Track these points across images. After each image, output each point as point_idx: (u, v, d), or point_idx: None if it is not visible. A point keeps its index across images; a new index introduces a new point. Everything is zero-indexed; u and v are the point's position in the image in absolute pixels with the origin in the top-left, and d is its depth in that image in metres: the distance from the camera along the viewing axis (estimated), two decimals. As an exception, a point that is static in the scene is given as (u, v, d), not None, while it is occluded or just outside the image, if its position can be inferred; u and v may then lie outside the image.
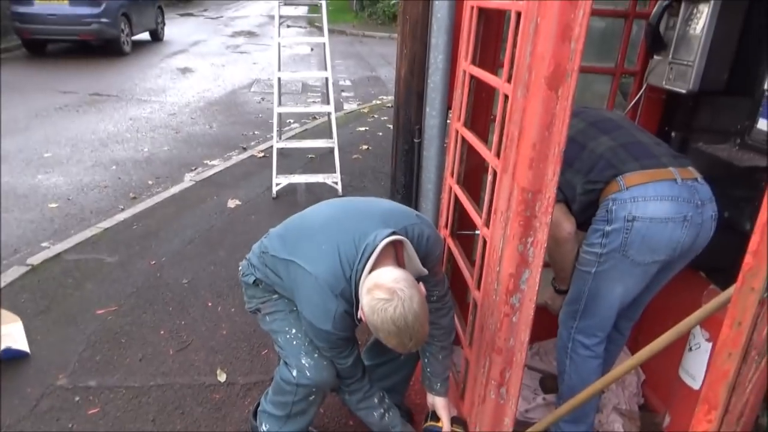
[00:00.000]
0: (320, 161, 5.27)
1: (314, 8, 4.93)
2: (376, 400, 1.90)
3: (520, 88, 1.57)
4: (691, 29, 2.11)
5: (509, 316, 1.74)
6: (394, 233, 1.63)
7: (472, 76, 2.10)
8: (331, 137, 4.83)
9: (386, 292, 1.48)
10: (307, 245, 1.73)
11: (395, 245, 1.66)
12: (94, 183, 4.82)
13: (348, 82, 9.83)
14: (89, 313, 2.91)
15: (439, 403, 1.99)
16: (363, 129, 6.59)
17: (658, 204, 1.69)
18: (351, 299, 1.64)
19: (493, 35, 2.24)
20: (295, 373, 1.81)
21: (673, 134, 2.40)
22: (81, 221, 4.07)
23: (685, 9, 2.14)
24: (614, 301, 1.84)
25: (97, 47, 10.83)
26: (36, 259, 3.37)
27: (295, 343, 1.85)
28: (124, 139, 6.05)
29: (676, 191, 1.71)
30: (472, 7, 2.06)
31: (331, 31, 17.16)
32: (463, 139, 2.18)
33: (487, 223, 1.83)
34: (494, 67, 2.21)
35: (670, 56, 2.21)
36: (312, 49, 11.56)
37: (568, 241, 1.90)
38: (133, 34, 11.61)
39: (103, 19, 10.37)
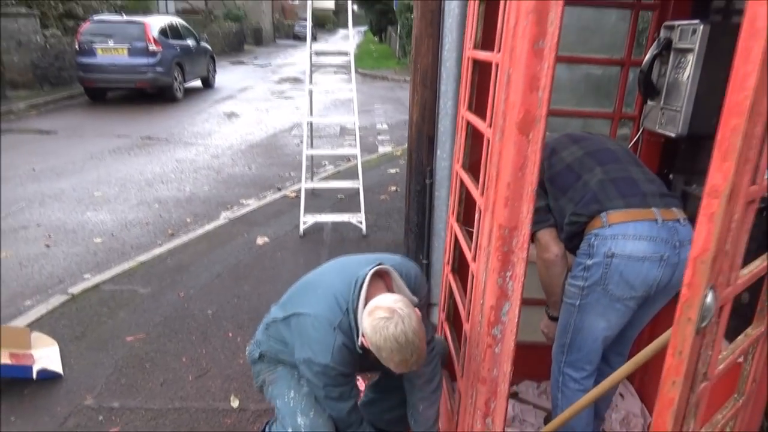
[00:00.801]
0: (349, 201, 5.47)
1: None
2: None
3: (497, 132, 1.70)
4: (680, 76, 2.20)
5: (492, 347, 1.82)
6: (380, 264, 1.76)
7: (468, 122, 2.24)
8: (358, 179, 5.02)
9: (386, 311, 1.60)
10: (305, 297, 1.89)
11: (383, 277, 1.79)
12: (137, 220, 5.14)
13: (385, 126, 10.13)
14: (119, 339, 3.13)
15: None
16: (394, 171, 6.79)
17: (637, 243, 1.77)
18: (349, 332, 1.74)
19: (486, 84, 2.39)
20: (290, 431, 1.91)
21: (671, 176, 2.47)
22: (122, 255, 4.36)
23: (674, 57, 2.24)
24: (598, 334, 1.90)
25: (152, 94, 11.58)
26: (76, 289, 3.64)
27: (291, 405, 1.94)
28: (168, 179, 6.43)
29: (655, 232, 1.78)
30: (468, 58, 2.22)
31: (373, 77, 17.77)
32: (461, 181, 2.31)
33: (474, 258, 1.94)
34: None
35: (662, 102, 2.30)
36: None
37: (556, 264, 1.96)
38: (185, 82, 12.39)
39: (158, 69, 11.15)
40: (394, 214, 5.15)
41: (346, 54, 5.02)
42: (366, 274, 1.74)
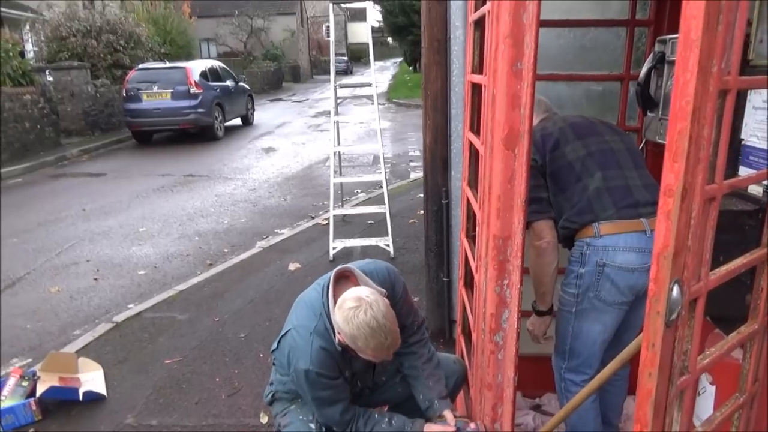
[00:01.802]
0: (378, 226, 5.61)
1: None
2: (376, 415, 2.01)
3: (488, 149, 1.82)
4: (675, 88, 2.27)
5: (495, 353, 1.90)
6: (341, 266, 1.91)
7: (470, 142, 2.36)
8: (385, 204, 5.17)
9: (354, 301, 1.73)
10: (288, 318, 2.02)
11: (349, 278, 1.91)
12: (178, 252, 5.42)
13: (417, 153, 10.27)
14: (158, 362, 3.32)
15: (446, 413, 2.03)
16: (422, 196, 6.91)
17: (627, 254, 1.86)
18: (326, 333, 1.85)
19: (482, 105, 2.52)
20: None
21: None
22: (163, 285, 4.61)
23: (669, 70, 2.32)
24: (596, 337, 1.96)
25: (194, 134, 12.14)
26: (120, 317, 3.89)
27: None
28: (208, 213, 6.74)
29: (643, 243, 1.86)
30: (468, 82, 2.36)
31: (408, 106, 17.99)
32: (467, 198, 2.42)
33: (477, 270, 2.04)
34: (484, 134, 2.47)
35: (660, 113, 2.37)
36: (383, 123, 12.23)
37: (548, 252, 1.97)
38: (225, 121, 12.94)
39: (200, 110, 11.71)
40: (421, 236, 5.22)
41: (368, 85, 5.22)
42: (330, 277, 1.88)
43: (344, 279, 1.90)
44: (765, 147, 1.94)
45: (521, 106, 1.68)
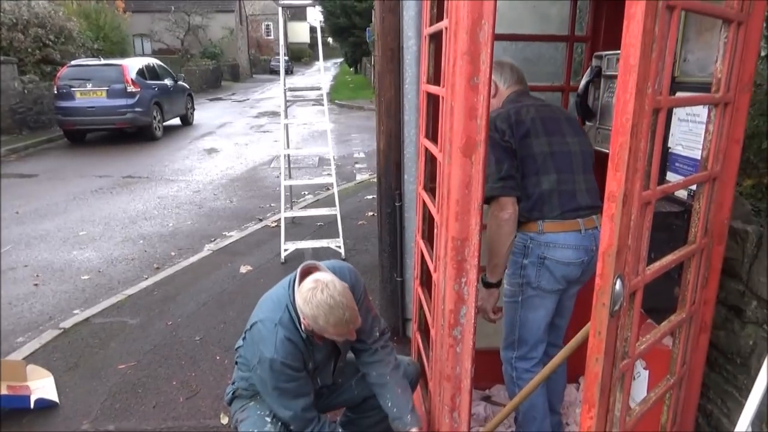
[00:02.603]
0: (328, 228, 5.69)
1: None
2: (339, 430, 2.14)
3: (446, 156, 1.95)
4: (611, 100, 2.49)
5: (453, 347, 2.03)
6: (307, 262, 2.02)
7: (426, 148, 2.49)
8: (335, 206, 5.25)
9: (311, 283, 1.87)
10: (254, 314, 2.10)
11: (313, 272, 2.00)
12: (122, 256, 5.30)
13: (362, 155, 10.41)
14: (112, 368, 3.28)
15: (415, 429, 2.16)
16: (371, 197, 7.03)
17: (565, 251, 2.11)
18: (291, 324, 1.95)
19: (438, 114, 2.66)
20: None
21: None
22: (109, 290, 4.51)
23: (605, 83, 2.54)
24: (540, 322, 2.19)
25: (131, 133, 11.78)
26: (67, 323, 3.79)
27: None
28: (151, 215, 6.60)
29: (579, 240, 2.11)
30: (423, 91, 2.49)
31: (350, 107, 18.08)
32: (423, 201, 2.55)
33: (435, 269, 2.17)
34: (440, 141, 2.62)
35: (597, 123, 2.58)
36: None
37: (509, 223, 2.08)
38: (164, 120, 12.61)
39: (137, 109, 11.38)
40: (371, 237, 5.36)
41: (318, 89, 5.29)
42: (296, 272, 2.00)
43: (309, 275, 1.99)
44: (689, 155, 2.17)
45: (478, 117, 1.83)
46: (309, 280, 1.89)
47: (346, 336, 1.96)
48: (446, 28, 1.89)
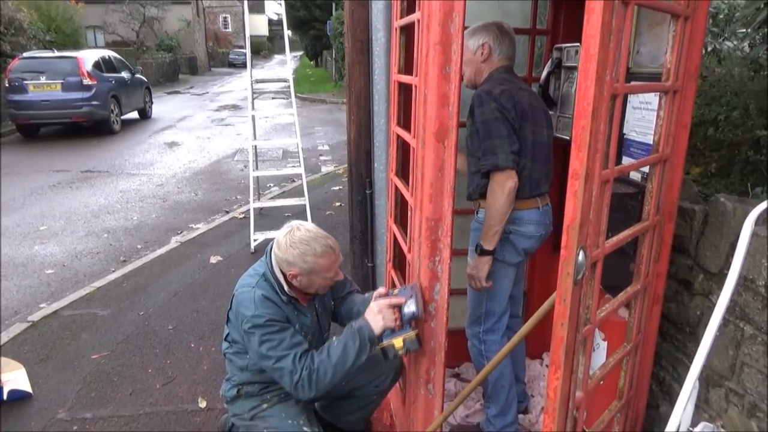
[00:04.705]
0: (297, 218, 5.71)
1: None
2: (326, 344, 2.10)
3: (420, 142, 2.06)
4: (570, 89, 2.64)
5: (428, 322, 2.15)
6: None
7: (398, 135, 2.60)
8: (304, 196, 5.32)
9: (285, 230, 2.03)
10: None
11: None
12: (87, 250, 5.23)
13: (326, 147, 10.45)
14: (85, 358, 3.28)
15: (380, 289, 2.28)
16: (337, 188, 7.11)
17: (528, 226, 2.30)
18: (267, 285, 2.04)
19: (410, 102, 2.77)
20: None
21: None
22: (76, 283, 4.47)
23: (564, 74, 2.69)
24: (505, 292, 2.36)
25: (87, 128, 11.49)
26: (36, 317, 3.76)
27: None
28: (114, 210, 6.51)
29: (539, 217, 2.31)
30: (395, 81, 2.59)
31: (312, 100, 18.02)
32: (396, 186, 2.66)
33: (409, 250, 2.28)
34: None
35: (558, 111, 2.74)
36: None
37: (513, 192, 2.18)
38: (122, 114, 12.34)
39: (94, 102, 11.10)
40: (340, 227, 5.45)
41: (285, 81, 5.33)
42: (268, 247, 2.11)
43: None
44: (642, 140, 2.34)
45: (450, 104, 1.94)
46: (282, 231, 2.02)
47: (333, 274, 2.08)
48: (419, 21, 1.99)
